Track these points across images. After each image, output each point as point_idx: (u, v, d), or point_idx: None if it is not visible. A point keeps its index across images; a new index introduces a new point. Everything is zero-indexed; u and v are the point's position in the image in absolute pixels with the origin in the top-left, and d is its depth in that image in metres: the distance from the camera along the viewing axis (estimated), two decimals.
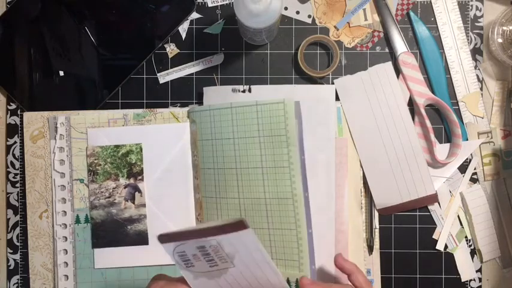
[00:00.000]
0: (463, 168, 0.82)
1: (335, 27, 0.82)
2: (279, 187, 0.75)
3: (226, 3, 0.83)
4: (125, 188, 0.80)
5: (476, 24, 0.82)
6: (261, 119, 0.76)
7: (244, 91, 0.79)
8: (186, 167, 0.80)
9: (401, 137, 0.80)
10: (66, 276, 0.80)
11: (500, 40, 0.80)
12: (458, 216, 0.82)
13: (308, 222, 0.76)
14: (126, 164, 0.79)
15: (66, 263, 0.80)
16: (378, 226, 0.81)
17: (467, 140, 0.81)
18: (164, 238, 0.60)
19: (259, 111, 0.76)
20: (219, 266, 0.61)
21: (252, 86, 0.80)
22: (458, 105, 0.82)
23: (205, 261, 0.61)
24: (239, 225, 0.57)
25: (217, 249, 0.59)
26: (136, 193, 0.79)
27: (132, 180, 0.79)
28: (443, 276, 0.82)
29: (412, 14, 0.82)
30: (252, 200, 0.77)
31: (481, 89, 0.82)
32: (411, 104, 0.81)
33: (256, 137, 0.76)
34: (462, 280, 0.82)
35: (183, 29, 0.83)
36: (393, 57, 0.82)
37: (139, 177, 0.80)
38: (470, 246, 0.82)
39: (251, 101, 0.76)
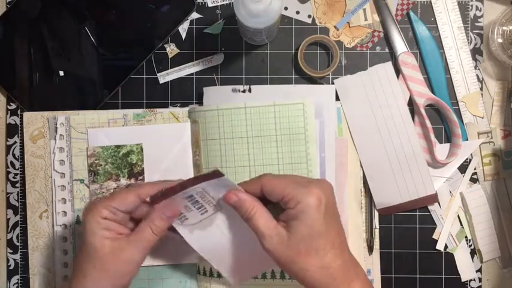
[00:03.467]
0: (463, 168, 0.82)
1: (335, 27, 0.82)
2: None
3: (226, 3, 0.83)
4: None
5: (476, 24, 0.82)
6: (279, 119, 0.77)
7: (244, 91, 0.79)
8: (186, 167, 0.80)
9: (401, 137, 0.80)
10: (67, 277, 0.80)
11: (500, 40, 0.80)
12: (458, 216, 0.82)
13: None
14: (127, 164, 0.79)
15: (66, 264, 0.80)
16: (378, 226, 0.81)
17: (467, 140, 0.81)
18: (156, 199, 0.63)
19: (277, 111, 0.77)
20: (208, 211, 0.65)
21: (252, 86, 0.80)
22: (458, 105, 0.82)
23: (195, 209, 0.64)
24: (216, 174, 0.61)
25: (203, 194, 0.63)
26: None
27: (133, 181, 0.79)
28: (443, 276, 0.82)
29: (412, 14, 0.82)
30: None
31: (481, 89, 0.82)
32: (411, 104, 0.81)
33: (273, 135, 0.77)
34: (462, 280, 0.82)
35: (183, 29, 0.83)
36: (393, 57, 0.82)
37: (140, 178, 0.79)
38: (470, 246, 0.82)
39: (268, 102, 0.77)
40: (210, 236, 0.66)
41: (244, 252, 0.69)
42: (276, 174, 0.66)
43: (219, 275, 0.78)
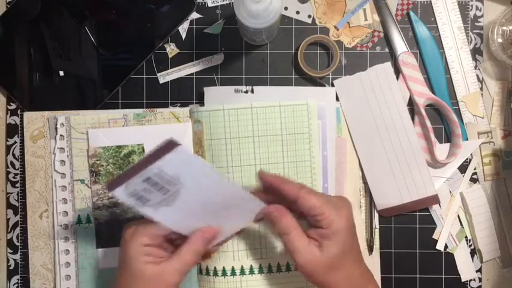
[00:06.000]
0: (463, 168, 0.82)
1: (335, 27, 0.82)
2: (299, 179, 0.79)
3: (226, 3, 0.83)
4: None
5: (476, 24, 0.82)
6: (284, 119, 0.79)
7: (247, 91, 0.80)
8: None
9: (401, 137, 0.80)
10: (68, 276, 0.80)
11: (500, 40, 0.80)
12: (458, 216, 0.82)
13: None
14: (129, 165, 0.79)
15: (68, 263, 0.80)
16: (378, 226, 0.81)
17: (467, 140, 0.82)
18: (112, 186, 0.63)
19: (283, 112, 0.79)
20: (170, 190, 0.64)
21: (254, 87, 0.80)
22: (458, 105, 0.82)
23: (156, 191, 0.64)
24: (170, 145, 0.60)
25: (161, 175, 0.62)
26: None
27: None
28: (443, 276, 0.82)
29: (412, 14, 0.82)
30: None
31: (481, 89, 0.82)
32: (411, 104, 0.81)
33: (279, 135, 0.79)
34: (462, 280, 0.82)
35: (183, 29, 0.83)
36: (393, 57, 0.82)
37: None
38: (470, 246, 0.82)
39: (273, 102, 0.78)
40: (175, 210, 0.67)
41: (212, 219, 0.70)
42: (310, 189, 0.70)
43: (224, 274, 0.79)
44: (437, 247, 0.82)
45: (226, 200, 0.68)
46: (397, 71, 0.81)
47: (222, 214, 0.70)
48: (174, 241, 0.71)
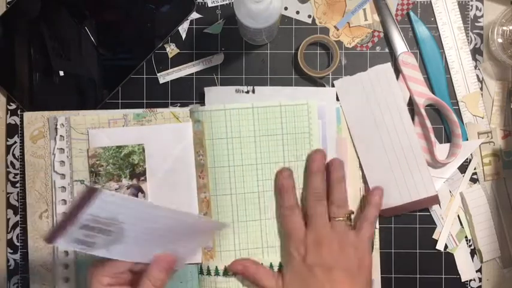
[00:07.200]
0: (463, 168, 0.82)
1: (335, 27, 0.82)
2: (299, 178, 0.79)
3: (226, 3, 0.83)
4: (127, 188, 0.79)
5: (476, 24, 0.82)
6: (285, 118, 0.79)
7: (248, 92, 0.80)
8: (189, 167, 0.80)
9: (401, 137, 0.80)
10: (68, 279, 0.80)
11: (500, 40, 0.80)
12: (458, 216, 0.82)
13: None
14: (129, 165, 0.79)
15: (66, 265, 0.80)
16: (377, 226, 0.81)
17: (467, 140, 0.82)
18: (51, 239, 0.61)
19: (283, 112, 0.79)
20: (112, 230, 0.63)
21: (255, 87, 0.80)
22: (458, 105, 0.82)
23: (98, 234, 0.62)
24: (91, 192, 0.58)
25: (95, 220, 0.60)
26: (140, 194, 0.79)
27: (134, 181, 0.79)
28: (443, 276, 0.82)
29: (412, 14, 0.82)
30: (272, 192, 0.79)
31: (481, 89, 0.82)
32: (411, 104, 0.81)
33: (280, 134, 0.79)
34: (462, 280, 0.82)
35: (183, 29, 0.83)
36: (393, 57, 0.82)
37: (142, 178, 0.79)
38: (470, 246, 0.82)
39: (274, 102, 0.79)
40: (128, 244, 0.66)
41: (170, 244, 0.70)
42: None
43: (225, 274, 0.79)
44: (437, 247, 0.82)
45: (179, 225, 0.68)
46: (397, 71, 0.81)
47: (179, 238, 0.70)
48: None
